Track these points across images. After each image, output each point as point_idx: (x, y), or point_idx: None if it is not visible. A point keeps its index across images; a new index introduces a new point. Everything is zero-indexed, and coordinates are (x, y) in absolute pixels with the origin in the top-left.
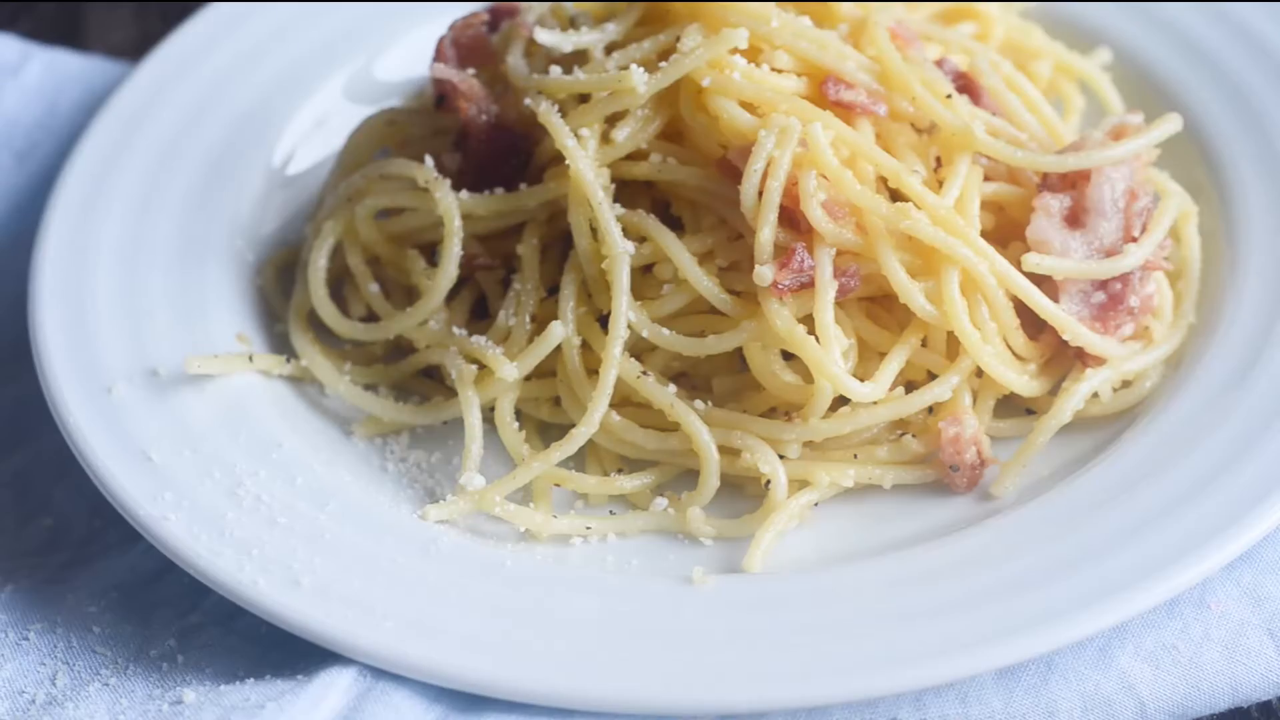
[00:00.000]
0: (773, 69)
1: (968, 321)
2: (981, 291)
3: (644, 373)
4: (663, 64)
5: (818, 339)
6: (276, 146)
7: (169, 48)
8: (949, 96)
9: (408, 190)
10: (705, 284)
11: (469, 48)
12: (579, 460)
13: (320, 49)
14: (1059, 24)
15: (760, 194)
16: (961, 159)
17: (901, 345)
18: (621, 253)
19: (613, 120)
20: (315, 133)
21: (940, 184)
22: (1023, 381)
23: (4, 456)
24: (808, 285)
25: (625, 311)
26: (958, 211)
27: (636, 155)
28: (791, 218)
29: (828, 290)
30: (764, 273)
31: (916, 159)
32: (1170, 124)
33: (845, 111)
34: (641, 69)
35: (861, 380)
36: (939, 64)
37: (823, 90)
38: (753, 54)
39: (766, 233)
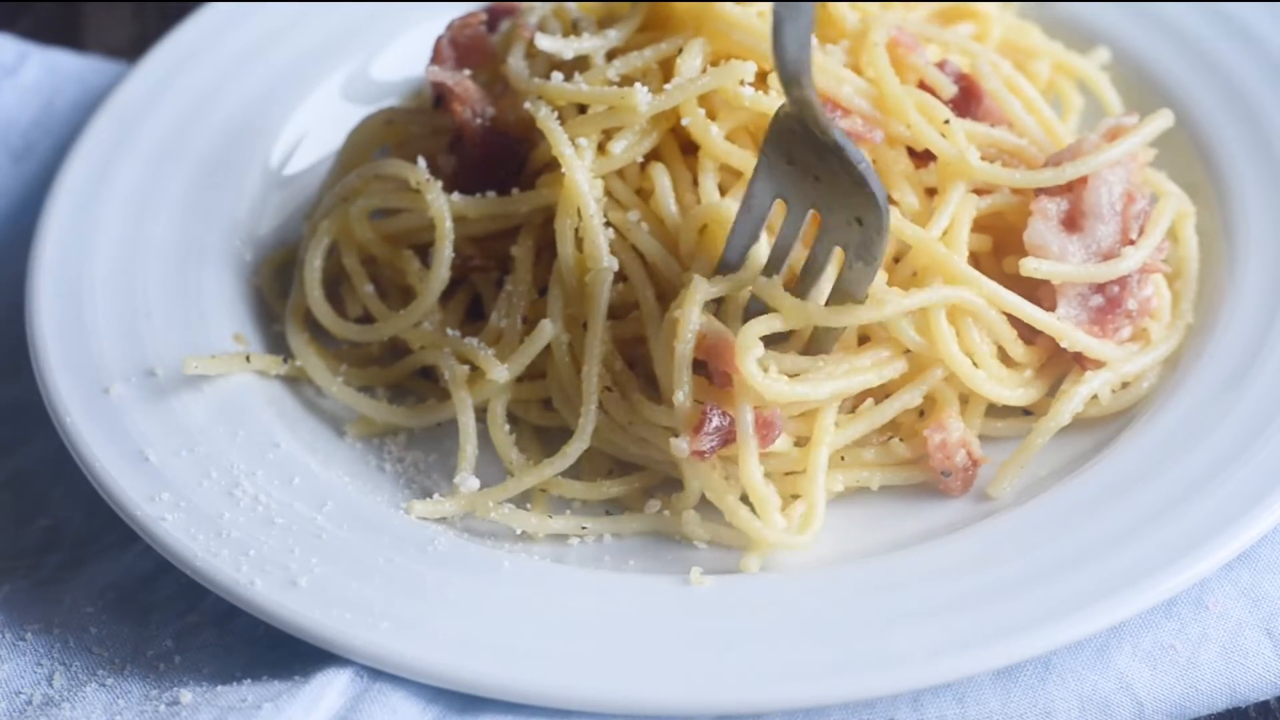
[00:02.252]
0: (771, 90)
1: (958, 350)
2: (971, 315)
3: (609, 388)
4: (667, 86)
5: (751, 500)
6: (274, 146)
7: (167, 47)
8: (946, 122)
9: (401, 191)
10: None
11: (468, 47)
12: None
13: (318, 48)
14: (1057, 23)
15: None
16: (955, 187)
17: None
18: (606, 268)
19: (610, 130)
20: (313, 132)
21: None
22: (1018, 394)
23: (2, 457)
24: (731, 439)
25: (602, 327)
26: (947, 241)
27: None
28: (705, 367)
29: (750, 447)
30: (680, 445)
31: (909, 188)
32: (1161, 120)
33: None
34: (645, 88)
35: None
36: (941, 66)
37: None
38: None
39: (680, 397)
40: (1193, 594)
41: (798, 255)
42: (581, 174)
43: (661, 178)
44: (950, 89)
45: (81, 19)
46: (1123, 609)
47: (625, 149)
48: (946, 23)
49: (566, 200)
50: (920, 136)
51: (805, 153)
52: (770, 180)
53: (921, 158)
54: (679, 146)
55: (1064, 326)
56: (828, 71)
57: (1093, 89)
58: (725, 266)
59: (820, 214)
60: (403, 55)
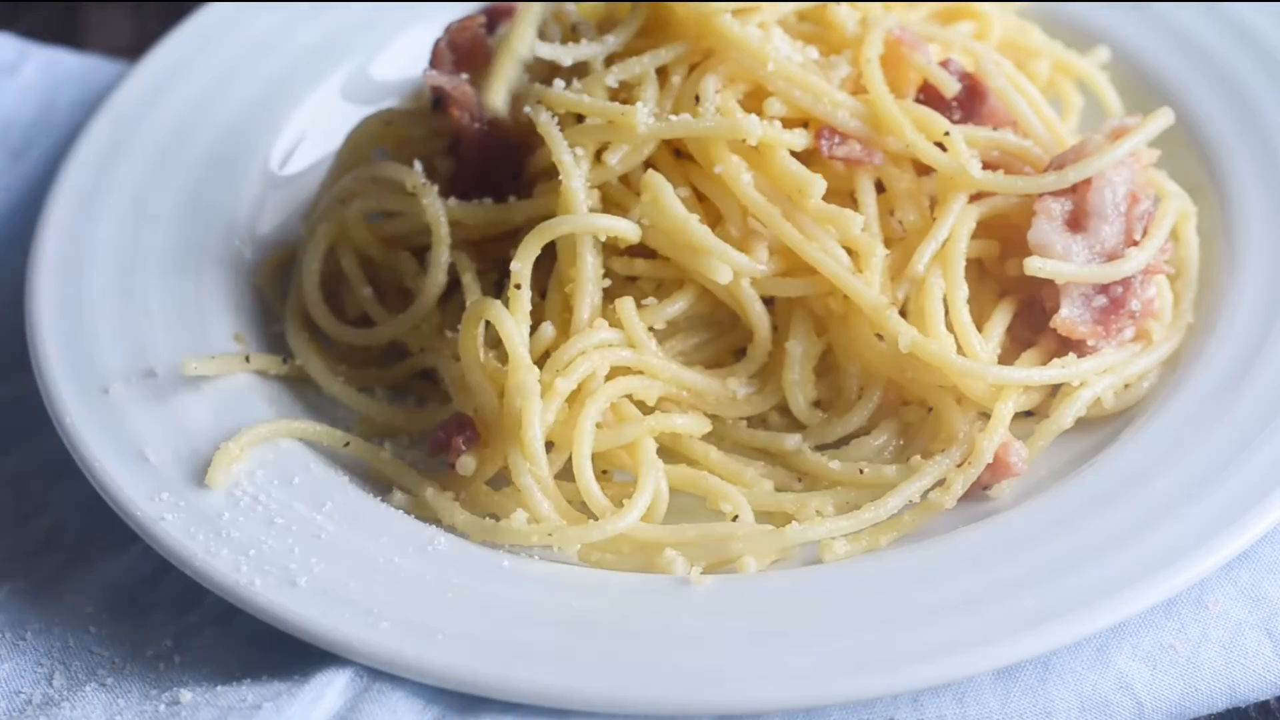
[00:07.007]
0: (769, 116)
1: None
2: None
3: None
4: (672, 117)
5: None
6: (274, 146)
7: (166, 47)
8: (946, 134)
9: (397, 194)
10: None
11: (467, 50)
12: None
13: (317, 49)
14: (1057, 23)
15: None
16: (957, 199)
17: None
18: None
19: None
20: (312, 132)
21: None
22: (1019, 399)
23: (1, 457)
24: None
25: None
26: (945, 253)
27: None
28: None
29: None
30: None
31: (911, 205)
32: (1162, 119)
33: (846, 165)
34: (645, 108)
35: None
36: (944, 64)
37: (819, 143)
38: (756, 93)
39: None
40: (1193, 594)
41: None
42: (579, 182)
43: (662, 185)
44: (954, 86)
45: (81, 19)
46: (1123, 609)
47: (621, 160)
48: (946, 22)
49: (563, 209)
50: (919, 154)
51: None
52: None
53: (926, 165)
54: (670, 152)
55: (1068, 373)
56: (823, 97)
57: (1093, 89)
58: None
59: None
60: (402, 55)
